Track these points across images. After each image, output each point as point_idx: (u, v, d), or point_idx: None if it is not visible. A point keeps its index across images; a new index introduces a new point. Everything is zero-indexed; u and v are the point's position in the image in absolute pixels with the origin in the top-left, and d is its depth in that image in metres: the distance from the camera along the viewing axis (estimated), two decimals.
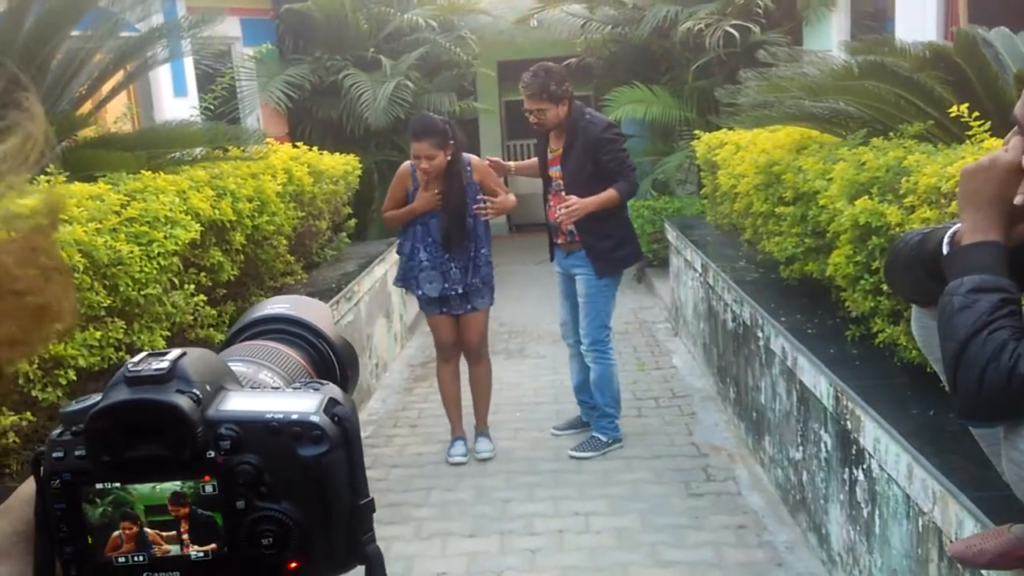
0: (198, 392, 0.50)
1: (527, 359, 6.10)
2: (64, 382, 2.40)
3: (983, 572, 1.95)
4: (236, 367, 0.59)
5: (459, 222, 4.07)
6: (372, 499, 0.53)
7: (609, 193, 4.02)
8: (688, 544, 3.49)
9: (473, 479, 4.17)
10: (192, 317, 3.20)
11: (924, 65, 3.13)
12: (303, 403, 0.52)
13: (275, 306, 0.70)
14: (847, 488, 2.95)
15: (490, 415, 5.03)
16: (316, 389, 0.55)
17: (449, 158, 3.96)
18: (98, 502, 0.51)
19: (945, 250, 1.45)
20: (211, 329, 3.45)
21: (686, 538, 3.53)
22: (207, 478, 0.50)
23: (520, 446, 4.55)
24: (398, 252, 4.33)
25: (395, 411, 5.20)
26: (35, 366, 2.31)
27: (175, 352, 0.52)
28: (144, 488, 0.50)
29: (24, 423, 2.28)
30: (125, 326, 2.72)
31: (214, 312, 3.46)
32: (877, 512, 2.70)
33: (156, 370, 0.50)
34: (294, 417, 0.51)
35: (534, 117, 4.07)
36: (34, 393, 2.32)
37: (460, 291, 4.14)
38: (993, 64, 3.17)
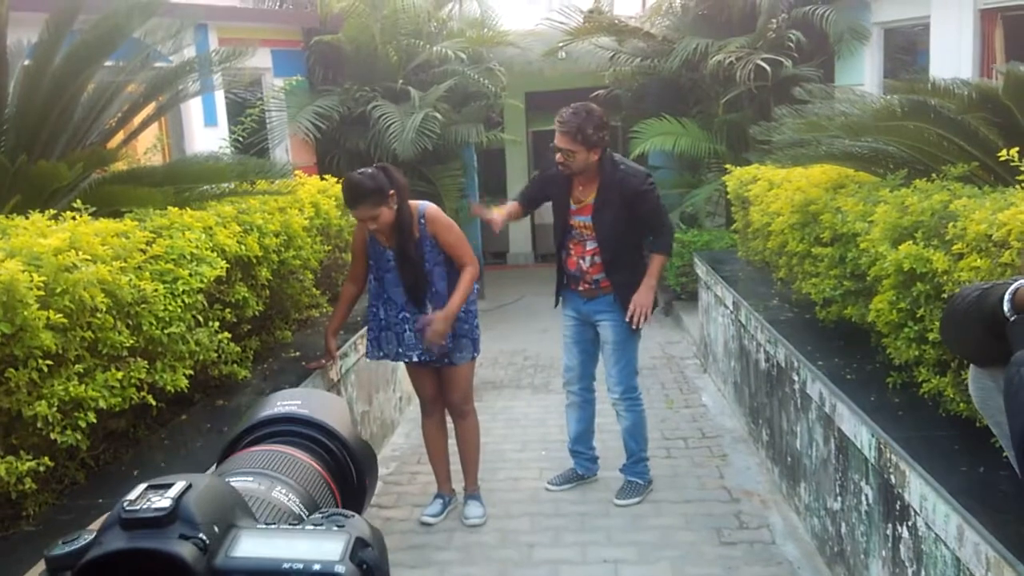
0: (204, 537, 0.43)
1: (553, 394, 5.99)
2: (83, 424, 2.34)
3: None
4: (246, 484, 0.52)
5: (416, 276, 3.70)
6: None
7: (659, 262, 3.98)
8: None
9: (497, 521, 4.07)
10: (216, 354, 3.15)
11: (970, 106, 3.04)
12: (326, 548, 0.45)
13: (285, 403, 0.62)
14: (890, 545, 2.82)
15: (516, 452, 4.95)
16: (340, 526, 0.47)
17: (396, 207, 3.58)
18: None
19: (1006, 308, 1.36)
20: (235, 365, 3.41)
21: None
22: None
23: (547, 486, 4.44)
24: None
25: (418, 446, 5.10)
26: (54, 409, 2.26)
27: (179, 485, 0.44)
28: None
29: (42, 468, 2.23)
30: (147, 365, 2.67)
31: (238, 348, 3.41)
32: (923, 572, 2.57)
33: (156, 511, 0.43)
34: (316, 568, 0.43)
35: (561, 156, 3.79)
36: (53, 436, 2.27)
37: (415, 359, 3.82)
38: None
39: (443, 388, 4.01)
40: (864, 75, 7.20)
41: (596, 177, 3.87)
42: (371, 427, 4.87)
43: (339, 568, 0.44)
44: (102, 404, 2.40)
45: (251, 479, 0.54)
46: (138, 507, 0.43)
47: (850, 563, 3.22)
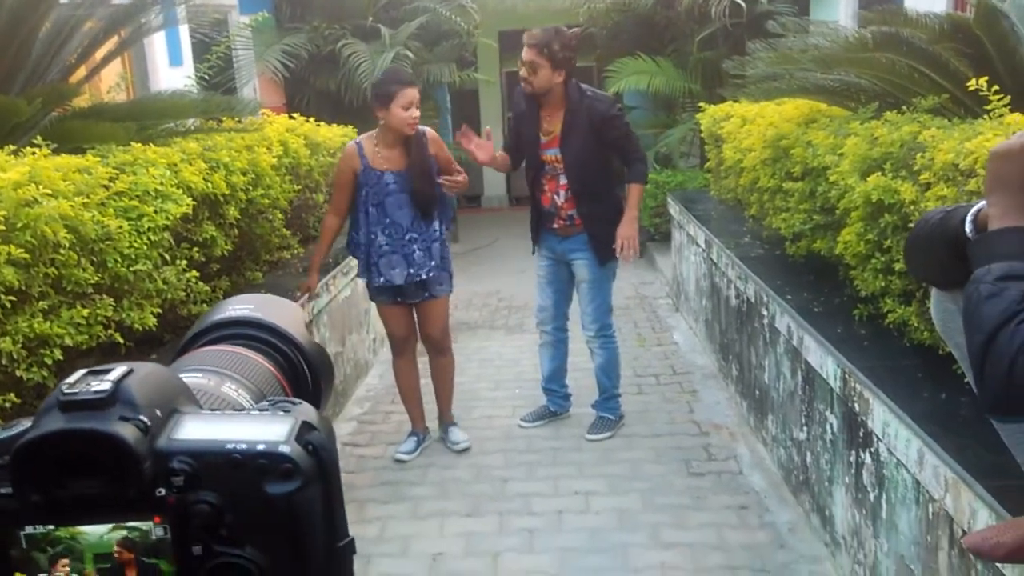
0: (146, 419, 0.42)
1: (527, 334, 6.02)
2: (50, 361, 2.32)
3: (997, 565, 1.90)
4: (194, 379, 0.51)
5: (430, 190, 3.80)
6: (352, 539, 0.46)
7: (637, 191, 3.95)
8: (689, 525, 3.44)
9: (471, 457, 4.12)
10: (184, 293, 3.13)
11: (941, 37, 3.03)
12: (271, 430, 0.44)
13: (238, 307, 0.61)
14: (853, 471, 2.89)
15: (490, 391, 5.00)
16: (287, 411, 0.47)
17: None
18: (36, 548, 0.43)
19: (968, 229, 1.38)
20: (204, 305, 3.38)
21: (687, 519, 3.48)
22: (157, 520, 0.43)
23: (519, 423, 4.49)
24: (349, 247, 3.96)
25: (392, 386, 5.10)
26: (19, 345, 2.23)
27: (119, 370, 0.44)
28: (92, 536, 0.43)
29: (8, 405, 2.21)
30: (114, 303, 2.64)
31: (207, 288, 3.38)
32: (884, 496, 2.64)
33: (96, 393, 0.42)
34: (260, 448, 0.43)
35: (525, 71, 3.79)
36: (18, 373, 2.25)
37: (424, 276, 3.83)
38: (1011, 37, 3.06)
39: (422, 324, 4.04)
40: (839, 11, 7.14)
41: (562, 105, 3.86)
42: (344, 368, 4.87)
43: (284, 448, 0.44)
44: (68, 341, 2.38)
45: (200, 375, 0.53)
46: (77, 390, 0.43)
47: (815, 490, 3.30)
